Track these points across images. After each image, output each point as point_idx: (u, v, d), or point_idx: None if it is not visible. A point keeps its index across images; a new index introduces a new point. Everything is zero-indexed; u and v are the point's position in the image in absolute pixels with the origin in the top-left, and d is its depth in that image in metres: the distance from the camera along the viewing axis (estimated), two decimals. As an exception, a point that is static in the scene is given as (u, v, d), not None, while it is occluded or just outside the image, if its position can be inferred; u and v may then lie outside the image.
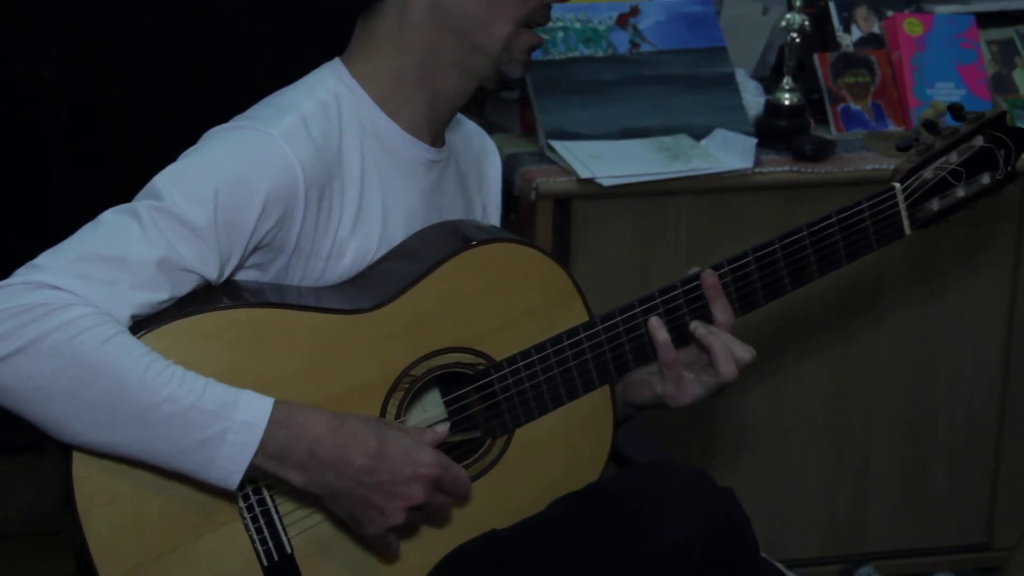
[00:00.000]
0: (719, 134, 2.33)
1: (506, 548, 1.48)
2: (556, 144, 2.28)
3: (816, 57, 2.46)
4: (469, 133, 1.69)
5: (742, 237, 2.30)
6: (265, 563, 1.41)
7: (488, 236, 1.52)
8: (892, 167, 2.25)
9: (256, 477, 1.37)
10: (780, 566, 1.69)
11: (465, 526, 1.49)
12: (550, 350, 1.50)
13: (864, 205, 1.58)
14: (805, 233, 1.56)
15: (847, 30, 2.52)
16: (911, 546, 2.50)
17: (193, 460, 1.32)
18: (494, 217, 1.72)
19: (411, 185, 1.53)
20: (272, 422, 1.33)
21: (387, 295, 1.44)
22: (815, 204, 2.29)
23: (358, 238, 1.49)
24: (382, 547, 1.42)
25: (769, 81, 2.49)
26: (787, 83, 2.37)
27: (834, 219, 1.57)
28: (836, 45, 2.50)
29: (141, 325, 1.35)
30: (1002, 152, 1.62)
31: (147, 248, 1.34)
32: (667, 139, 2.33)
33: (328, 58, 1.54)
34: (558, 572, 1.43)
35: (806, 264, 1.57)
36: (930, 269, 2.40)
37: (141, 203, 1.37)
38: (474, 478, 1.49)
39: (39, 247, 1.37)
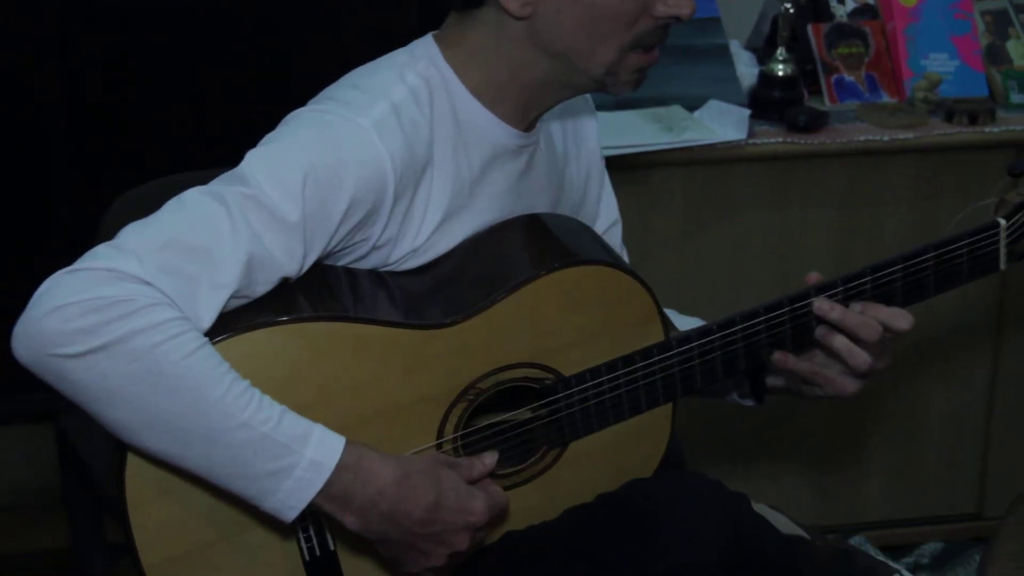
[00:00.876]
0: (713, 105, 2.33)
1: (522, 554, 1.46)
2: (550, 115, 2.28)
3: (810, 28, 2.46)
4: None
5: (736, 208, 2.31)
6: (307, 558, 1.40)
7: (577, 255, 1.46)
8: (886, 138, 2.28)
9: (311, 513, 1.33)
10: (783, 519, 1.69)
11: (501, 528, 1.48)
12: (621, 371, 1.47)
13: (964, 242, 1.51)
14: (900, 267, 1.50)
15: (841, 1, 2.51)
16: (902, 516, 2.52)
17: (255, 488, 1.28)
18: (595, 169, 1.64)
19: (501, 171, 1.47)
20: (340, 466, 1.29)
21: (464, 311, 1.40)
22: (809, 175, 2.30)
23: (447, 230, 1.44)
24: None
25: (763, 52, 2.48)
26: (781, 54, 2.36)
27: (931, 253, 1.50)
28: (830, 16, 2.50)
29: (214, 332, 1.30)
30: None
31: (236, 243, 1.28)
32: (661, 110, 2.32)
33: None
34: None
35: (892, 297, 1.51)
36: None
37: (229, 189, 1.31)
38: (523, 483, 1.48)
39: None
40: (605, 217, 1.69)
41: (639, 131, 2.25)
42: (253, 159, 1.33)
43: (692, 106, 2.34)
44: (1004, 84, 2.40)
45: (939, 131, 2.31)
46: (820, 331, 1.50)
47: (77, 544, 1.51)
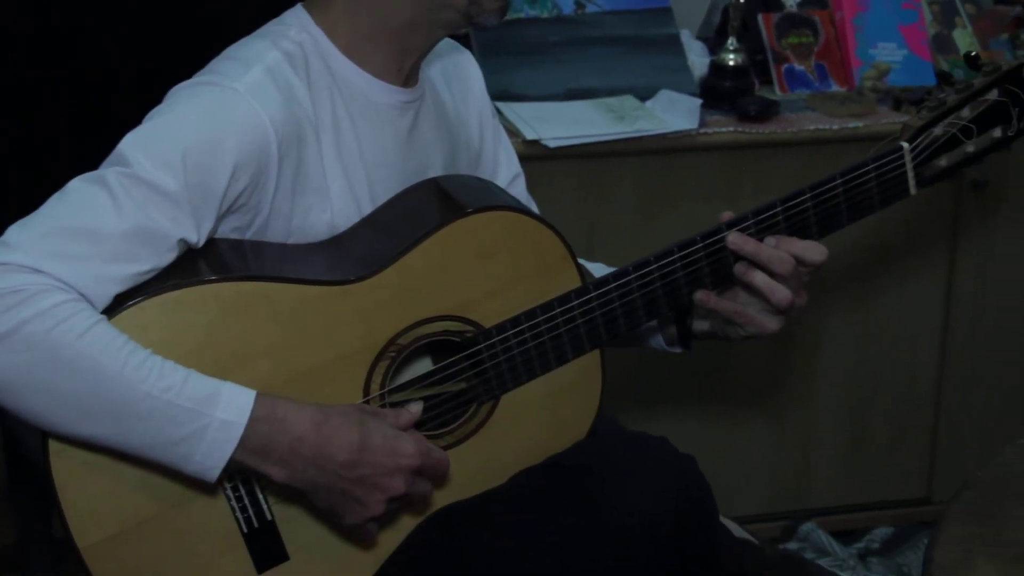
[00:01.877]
0: (664, 95, 2.34)
1: (465, 524, 1.47)
2: (501, 106, 2.27)
3: (760, 17, 2.47)
4: (441, 49, 1.61)
5: (688, 198, 2.32)
6: (245, 530, 1.40)
7: (480, 203, 1.48)
8: (835, 126, 2.30)
9: (236, 469, 1.35)
10: (734, 524, 1.71)
11: (450, 490, 1.49)
12: (540, 317, 1.48)
13: (870, 167, 1.53)
14: (808, 196, 1.52)
15: (791, -10, 2.53)
16: (852, 502, 2.54)
17: (172, 454, 1.30)
18: (489, 125, 1.66)
19: (387, 132, 1.49)
20: (253, 419, 1.30)
21: (375, 265, 1.42)
22: (760, 164, 2.32)
23: (339, 190, 1.45)
24: (361, 535, 1.41)
25: (714, 42, 2.49)
26: (731, 44, 2.38)
27: (838, 180, 1.52)
28: (780, 6, 2.51)
29: (123, 298, 1.32)
30: (1016, 108, 1.56)
31: (119, 218, 1.31)
32: (612, 100, 2.33)
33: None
34: (518, 547, 1.43)
35: (806, 227, 1.53)
36: (873, 232, 2.42)
37: (109, 170, 1.33)
38: (459, 442, 1.48)
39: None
40: (507, 169, 1.70)
41: (591, 121, 2.26)
42: (132, 139, 1.36)
43: (643, 96, 2.35)
44: (950, 72, 2.43)
45: (887, 119, 2.33)
46: (739, 268, 1.51)
47: (23, 538, 1.50)
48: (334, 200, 1.45)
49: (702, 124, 2.28)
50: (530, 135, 2.21)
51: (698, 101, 2.31)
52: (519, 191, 1.71)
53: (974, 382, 2.52)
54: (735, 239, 1.50)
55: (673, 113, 2.29)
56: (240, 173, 1.37)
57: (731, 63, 2.37)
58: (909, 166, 1.54)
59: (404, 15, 1.44)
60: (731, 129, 2.29)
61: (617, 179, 2.29)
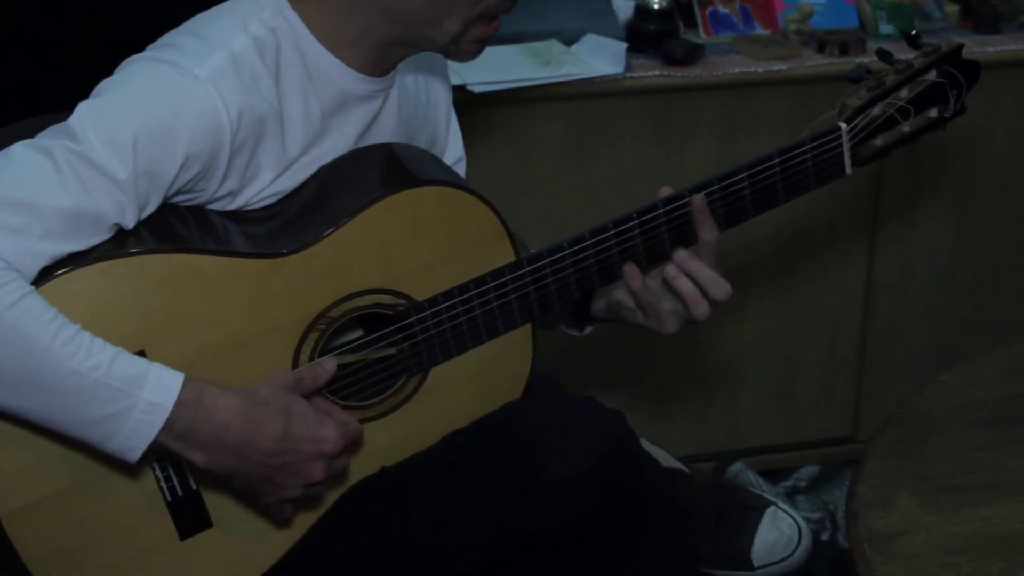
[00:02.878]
0: (589, 39, 2.33)
1: (399, 485, 1.47)
2: (426, 50, 2.26)
3: (684, -40, 2.46)
4: None
5: (614, 142, 2.32)
6: (169, 498, 1.39)
7: (418, 176, 1.46)
8: (760, 69, 2.31)
9: (158, 451, 1.33)
10: (662, 452, 1.73)
11: (375, 460, 1.48)
12: (474, 291, 1.48)
13: (807, 147, 1.53)
14: (745, 175, 1.52)
15: (715, -67, 2.52)
16: (780, 442, 2.58)
17: (95, 433, 1.28)
18: (444, 114, 1.66)
19: (352, 117, 1.47)
20: (179, 403, 1.28)
21: (309, 238, 1.40)
22: (686, 107, 2.32)
23: (295, 175, 1.43)
24: (276, 512, 1.41)
25: (638, -15, 2.48)
26: (656, -13, 2.37)
27: (775, 160, 1.52)
28: (704, -52, 2.50)
29: (50, 268, 1.29)
30: (954, 90, 1.56)
31: (62, 196, 1.27)
32: (538, 44, 2.31)
33: None
34: (451, 508, 1.44)
35: (742, 205, 1.53)
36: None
37: (56, 143, 1.28)
38: (387, 412, 1.48)
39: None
40: (452, 152, 1.70)
41: (517, 66, 2.25)
42: (83, 112, 1.31)
43: (569, 40, 2.33)
44: (873, 15, 2.44)
45: (812, 62, 2.34)
46: (671, 271, 1.51)
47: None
48: (286, 188, 1.43)
49: (628, 68, 2.28)
50: (455, 81, 2.18)
51: (624, 45, 2.31)
52: (460, 171, 1.70)
53: (897, 324, 2.55)
54: (700, 203, 1.50)
55: (599, 57, 2.28)
56: (191, 162, 1.34)
57: (655, 6, 2.36)
58: (846, 146, 1.54)
59: (385, 36, 1.42)
60: (657, 73, 2.29)
61: (544, 124, 2.28)
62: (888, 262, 2.51)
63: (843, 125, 1.54)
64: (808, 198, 2.38)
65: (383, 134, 1.52)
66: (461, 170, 1.71)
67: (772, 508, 1.65)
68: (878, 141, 1.56)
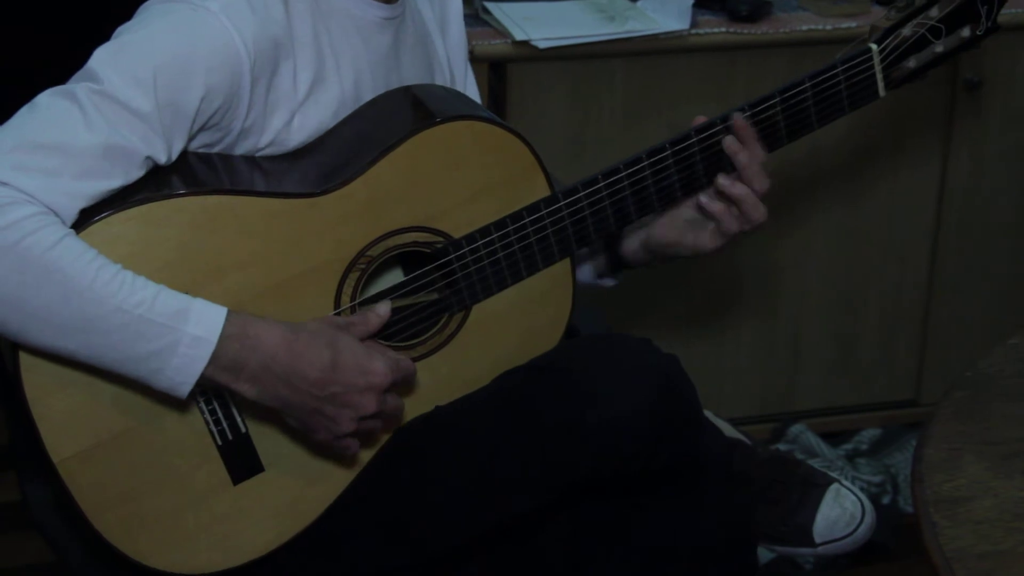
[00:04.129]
0: (655, -6, 2.30)
1: (450, 425, 1.48)
2: (491, 6, 2.24)
3: (753, -85, 2.42)
4: None
5: (678, 99, 2.30)
6: (220, 442, 1.40)
7: (450, 112, 1.46)
8: (828, 27, 2.27)
9: (208, 386, 1.34)
10: (725, 424, 1.72)
11: (422, 400, 1.49)
12: (511, 227, 1.48)
13: (838, 69, 1.52)
14: (777, 99, 1.52)
15: None
16: (841, 404, 2.56)
17: (142, 369, 1.29)
18: (459, 57, 1.66)
19: (366, 47, 1.48)
20: (224, 336, 1.29)
21: (344, 176, 1.40)
22: (752, 65, 2.29)
23: (314, 109, 1.44)
24: (336, 451, 1.41)
25: (705, -60, 2.45)
26: (723, -58, 2.33)
27: (807, 84, 1.52)
28: (773, -98, 2.46)
29: (90, 213, 1.31)
30: (984, 6, 1.55)
31: (90, 134, 1.29)
32: (603, 0, 2.29)
33: None
34: (503, 448, 1.44)
35: (776, 130, 1.53)
36: (864, 137, 2.41)
37: (79, 85, 1.31)
38: (431, 352, 1.48)
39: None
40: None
41: (581, 22, 2.23)
42: (103, 54, 1.33)
43: (634, -4, 2.31)
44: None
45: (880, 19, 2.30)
46: (724, 180, 1.52)
47: (13, 438, 1.50)
48: (308, 119, 1.44)
49: (693, 24, 2.25)
50: (519, 36, 2.17)
51: (689, 1, 2.28)
52: None
53: (964, 286, 2.52)
54: (734, 136, 1.51)
55: (664, 13, 2.26)
56: (212, 95, 1.35)
57: (723, -38, 2.33)
58: (878, 68, 1.53)
59: None
60: (723, 30, 2.27)
61: (607, 81, 2.27)
62: (956, 219, 2.47)
63: (874, 46, 1.53)
64: (873, 143, 2.37)
65: (403, 67, 1.52)
66: None
67: (836, 485, 1.64)
68: (911, 62, 1.55)
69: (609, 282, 1.67)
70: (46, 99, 1.31)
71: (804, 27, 2.28)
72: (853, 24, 2.28)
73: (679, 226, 1.58)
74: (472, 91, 1.71)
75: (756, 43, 2.27)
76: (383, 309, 1.41)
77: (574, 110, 2.27)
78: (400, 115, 1.47)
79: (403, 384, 1.41)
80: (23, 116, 1.31)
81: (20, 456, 1.48)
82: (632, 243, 1.62)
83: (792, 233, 2.43)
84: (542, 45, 2.18)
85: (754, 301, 2.47)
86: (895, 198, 2.44)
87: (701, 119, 1.53)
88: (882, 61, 1.53)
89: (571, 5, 2.27)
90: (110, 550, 1.38)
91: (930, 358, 2.56)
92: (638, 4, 2.29)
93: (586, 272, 1.67)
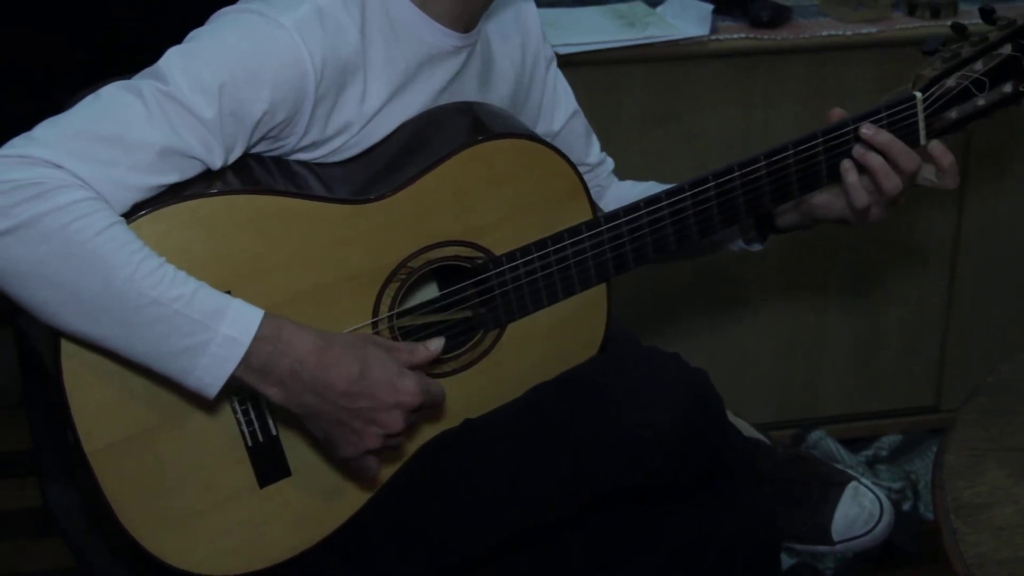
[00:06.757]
0: (675, 1, 2.30)
1: (480, 435, 1.48)
2: (510, 12, 2.25)
3: (773, -79, 2.42)
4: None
5: (698, 105, 2.30)
6: (249, 443, 1.41)
7: (497, 130, 1.47)
8: (848, 32, 2.27)
9: (237, 387, 1.34)
10: (744, 424, 1.72)
11: (453, 414, 1.49)
12: (551, 248, 1.49)
13: (883, 113, 1.54)
14: (820, 140, 1.54)
15: None
16: (861, 410, 2.55)
17: (174, 366, 1.29)
18: (541, 73, 1.67)
19: (436, 72, 1.48)
20: (257, 338, 1.29)
21: (391, 186, 1.41)
22: (772, 71, 2.29)
23: (377, 133, 1.45)
24: (357, 469, 1.40)
25: (725, -54, 2.45)
26: (743, -52, 2.34)
27: (850, 127, 1.54)
28: (793, -92, 2.46)
29: (139, 206, 1.32)
30: None
31: (151, 131, 1.30)
32: (623, 6, 2.29)
33: None
34: (534, 459, 1.44)
35: (817, 171, 1.55)
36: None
37: (145, 83, 1.32)
38: (464, 368, 1.49)
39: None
40: (565, 108, 1.70)
41: (601, 28, 2.23)
42: (173, 56, 1.34)
43: (654, 2, 2.31)
44: (965, 25, 2.39)
45: (901, 25, 2.30)
46: (858, 149, 1.54)
47: (36, 444, 1.51)
48: (368, 140, 1.44)
49: (713, 30, 2.26)
50: (539, 42, 2.18)
51: (709, 7, 2.28)
52: (578, 126, 1.73)
53: (985, 292, 2.51)
54: (868, 130, 1.54)
55: (684, 19, 2.26)
56: (275, 109, 1.36)
57: (743, -32, 2.33)
58: (921, 116, 1.55)
59: None
60: (743, 35, 2.27)
61: (627, 87, 2.27)
62: (977, 226, 2.46)
63: (918, 95, 1.54)
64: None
65: (465, 91, 1.52)
66: (579, 123, 1.72)
67: (854, 483, 1.64)
68: (953, 113, 1.56)
69: (757, 247, 1.68)
70: (112, 91, 1.32)
71: (824, 33, 2.27)
72: (873, 30, 2.28)
73: (833, 188, 1.59)
74: (564, 89, 1.72)
75: (776, 49, 2.27)
76: (435, 345, 1.41)
77: (594, 116, 2.25)
78: (449, 130, 1.48)
79: (431, 407, 1.41)
80: (86, 105, 1.31)
81: (43, 460, 1.49)
82: (788, 218, 1.64)
83: (814, 242, 2.43)
84: (561, 51, 2.18)
85: (774, 308, 2.47)
86: (916, 205, 2.44)
87: (840, 112, 1.57)
88: (926, 110, 1.55)
89: (592, 11, 2.28)
90: (134, 547, 1.39)
91: (951, 364, 2.55)
92: (658, 10, 2.29)
93: (733, 237, 1.68)
